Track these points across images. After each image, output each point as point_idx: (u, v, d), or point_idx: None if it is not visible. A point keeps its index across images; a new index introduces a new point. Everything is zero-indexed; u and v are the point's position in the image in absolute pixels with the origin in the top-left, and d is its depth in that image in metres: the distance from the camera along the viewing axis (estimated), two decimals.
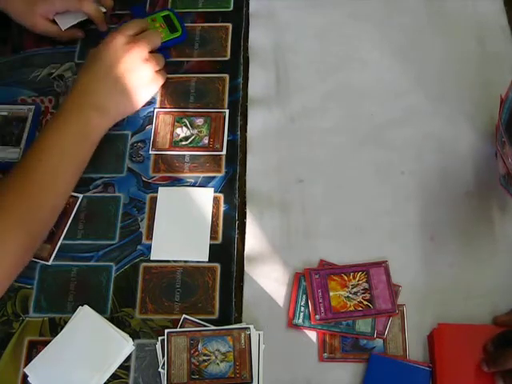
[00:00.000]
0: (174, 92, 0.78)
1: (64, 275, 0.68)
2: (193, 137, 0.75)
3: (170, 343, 0.62)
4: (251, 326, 0.63)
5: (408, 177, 0.72)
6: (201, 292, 0.66)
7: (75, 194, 0.71)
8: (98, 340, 0.63)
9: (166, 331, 0.63)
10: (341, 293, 0.65)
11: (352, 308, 0.64)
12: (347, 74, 0.79)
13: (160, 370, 0.62)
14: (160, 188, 0.72)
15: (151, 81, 0.74)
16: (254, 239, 0.69)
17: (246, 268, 0.67)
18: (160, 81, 0.76)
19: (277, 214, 0.70)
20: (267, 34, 0.82)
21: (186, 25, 0.82)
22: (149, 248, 0.69)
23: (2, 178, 0.66)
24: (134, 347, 0.64)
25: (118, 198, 0.72)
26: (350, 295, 0.64)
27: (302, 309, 0.64)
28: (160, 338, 0.63)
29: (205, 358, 0.62)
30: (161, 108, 0.77)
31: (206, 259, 0.68)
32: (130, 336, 0.64)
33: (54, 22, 0.80)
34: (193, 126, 0.75)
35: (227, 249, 0.68)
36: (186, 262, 0.68)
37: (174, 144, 0.74)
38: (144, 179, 0.73)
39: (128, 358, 0.63)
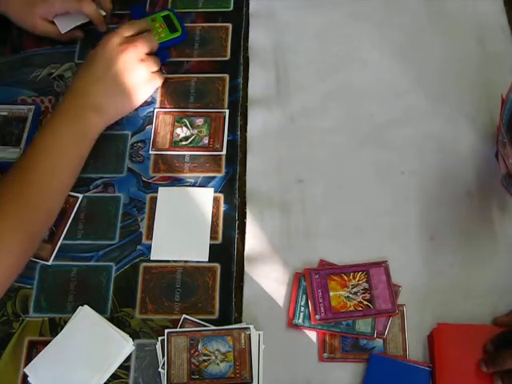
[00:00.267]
0: (174, 92, 0.78)
1: (64, 275, 0.68)
2: (193, 137, 0.75)
3: (170, 343, 0.62)
4: (251, 326, 0.63)
5: (408, 177, 0.72)
6: (201, 292, 0.66)
7: (75, 194, 0.71)
8: (97, 340, 0.63)
9: (166, 331, 0.63)
10: (341, 293, 0.65)
11: (352, 308, 0.64)
12: (347, 74, 0.79)
13: (160, 369, 0.62)
14: (160, 188, 0.72)
15: (148, 80, 0.74)
16: (253, 239, 0.69)
17: (246, 268, 0.67)
18: (157, 81, 0.76)
19: (277, 214, 0.70)
20: (267, 34, 0.82)
21: (186, 25, 0.82)
22: (149, 248, 0.69)
23: (0, 178, 0.66)
24: (133, 347, 0.64)
25: (118, 198, 0.72)
26: (350, 295, 0.64)
27: (302, 309, 0.64)
28: (160, 338, 0.63)
29: (205, 358, 0.62)
30: (161, 108, 0.77)
31: (206, 259, 0.68)
32: (130, 336, 0.64)
33: (53, 23, 0.80)
34: (193, 125, 0.75)
35: (227, 249, 0.68)
36: (186, 262, 0.68)
37: (174, 144, 0.74)
38: (144, 179, 0.73)
39: (128, 358, 0.63)
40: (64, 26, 0.80)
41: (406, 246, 0.68)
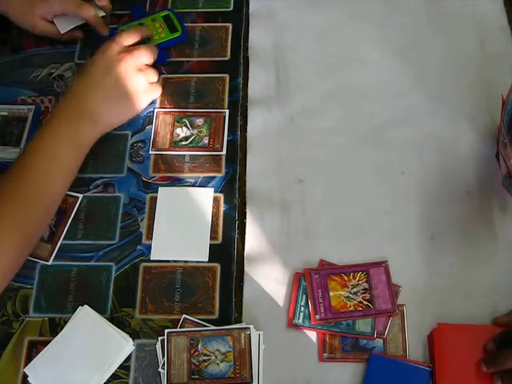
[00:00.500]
0: (174, 92, 0.78)
1: (64, 275, 0.68)
2: (193, 137, 0.75)
3: (170, 343, 0.62)
4: (251, 326, 0.63)
5: (408, 177, 0.72)
6: (201, 292, 0.66)
7: (75, 194, 0.71)
8: (97, 340, 0.63)
9: (166, 331, 0.63)
10: (341, 293, 0.65)
11: (352, 308, 0.64)
12: (347, 74, 0.79)
13: (160, 370, 0.62)
14: (160, 188, 0.72)
15: (145, 90, 0.74)
16: (253, 239, 0.69)
17: (246, 268, 0.67)
18: (155, 92, 0.76)
19: (277, 214, 0.70)
20: (267, 34, 0.82)
21: (186, 25, 0.82)
22: (149, 248, 0.69)
23: (4, 170, 0.66)
24: (133, 347, 0.64)
25: (118, 197, 0.72)
26: (350, 295, 0.64)
27: (302, 309, 0.64)
28: (160, 338, 0.63)
29: (205, 357, 0.62)
30: (161, 108, 0.77)
31: (206, 259, 0.68)
32: (130, 336, 0.64)
33: (53, 23, 0.80)
34: (193, 125, 0.75)
35: (227, 249, 0.68)
36: (186, 262, 0.68)
37: (174, 144, 0.74)
38: (144, 179, 0.73)
39: (128, 358, 0.63)
40: (63, 27, 0.80)
41: (406, 246, 0.68)
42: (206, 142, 0.74)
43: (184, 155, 0.74)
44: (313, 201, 0.71)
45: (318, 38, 0.81)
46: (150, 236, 0.69)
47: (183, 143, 0.74)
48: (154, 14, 0.82)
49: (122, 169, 0.74)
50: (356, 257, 0.67)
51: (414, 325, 0.64)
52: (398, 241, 0.68)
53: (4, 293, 0.64)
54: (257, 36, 0.82)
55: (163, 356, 0.62)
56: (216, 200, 0.71)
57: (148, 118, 0.76)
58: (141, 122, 0.76)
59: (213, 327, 0.63)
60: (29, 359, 0.63)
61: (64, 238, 0.69)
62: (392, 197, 0.71)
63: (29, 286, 0.67)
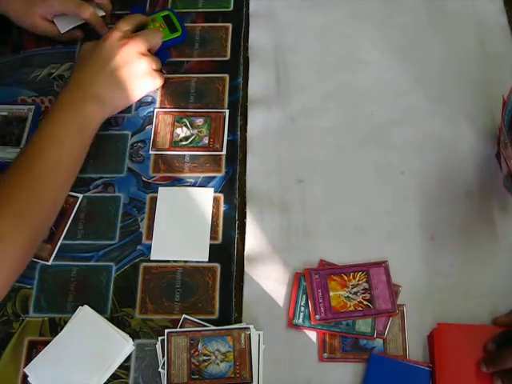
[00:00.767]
0: (174, 92, 0.78)
1: (64, 275, 0.68)
2: (193, 137, 0.75)
3: (170, 343, 0.62)
4: (251, 326, 0.63)
5: (408, 177, 0.72)
6: (201, 292, 0.66)
7: (75, 194, 0.71)
8: (97, 340, 0.63)
9: (166, 331, 0.63)
10: (341, 293, 0.65)
11: (352, 308, 0.64)
12: (347, 74, 0.79)
13: (160, 370, 0.62)
14: (160, 188, 0.72)
15: (147, 75, 0.74)
16: (253, 239, 0.69)
17: (246, 268, 0.67)
18: (158, 80, 0.76)
19: (277, 214, 0.70)
20: (267, 34, 0.82)
21: (186, 25, 0.82)
22: (149, 248, 0.69)
23: (4, 170, 0.66)
24: (133, 347, 0.64)
25: (118, 197, 0.72)
26: (350, 295, 0.64)
27: (302, 309, 0.64)
28: (160, 338, 0.63)
29: (205, 358, 0.62)
30: (161, 108, 0.77)
31: (206, 259, 0.68)
32: (130, 336, 0.64)
33: (53, 22, 0.80)
34: (193, 125, 0.75)
35: (227, 249, 0.68)
36: (186, 262, 0.68)
37: (174, 144, 0.74)
38: (144, 179, 0.73)
39: (128, 358, 0.63)
40: (63, 26, 0.80)
41: (406, 246, 0.68)
42: (206, 141, 0.74)
43: (184, 155, 0.74)
44: (313, 201, 0.71)
45: (318, 37, 0.81)
46: (150, 236, 0.69)
47: (183, 143, 0.74)
48: (154, 14, 0.82)
49: (122, 169, 0.74)
50: (356, 257, 0.67)
51: (413, 325, 0.64)
52: (398, 241, 0.68)
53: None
54: (257, 36, 0.82)
55: (163, 356, 0.62)
56: (216, 200, 0.71)
57: (148, 118, 0.76)
58: (141, 122, 0.76)
59: (213, 327, 0.63)
60: (29, 359, 0.63)
61: (64, 238, 0.69)
62: (392, 197, 0.71)
63: (29, 286, 0.67)
